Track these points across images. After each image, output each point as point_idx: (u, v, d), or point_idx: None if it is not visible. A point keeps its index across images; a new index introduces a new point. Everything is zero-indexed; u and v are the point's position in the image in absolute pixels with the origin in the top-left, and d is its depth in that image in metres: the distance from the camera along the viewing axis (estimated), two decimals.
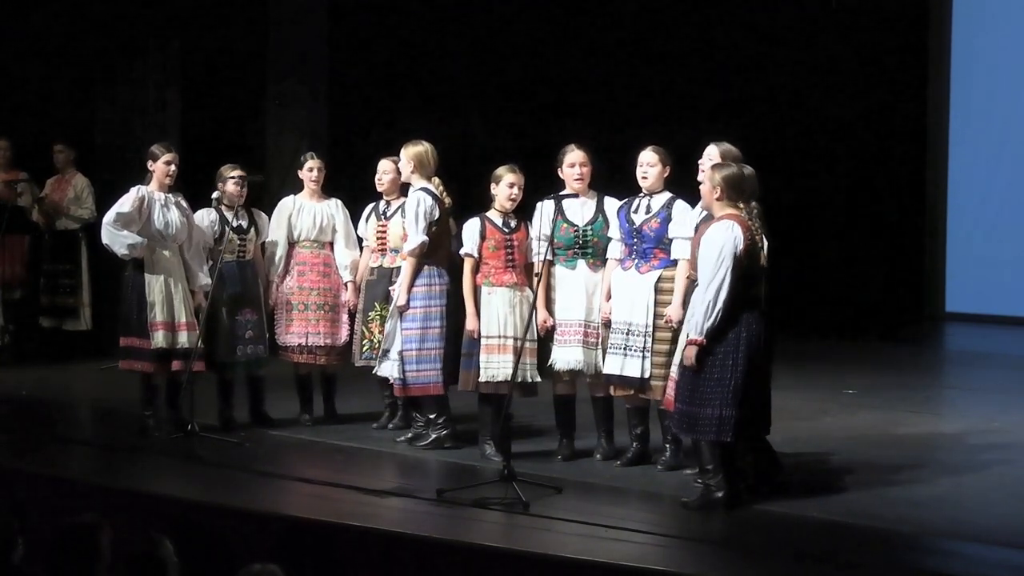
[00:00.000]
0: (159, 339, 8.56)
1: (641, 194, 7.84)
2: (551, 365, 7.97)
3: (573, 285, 7.98)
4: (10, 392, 10.25)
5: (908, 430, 9.16)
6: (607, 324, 7.84)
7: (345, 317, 9.09)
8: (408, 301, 8.26)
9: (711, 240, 6.87)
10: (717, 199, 6.93)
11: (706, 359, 6.86)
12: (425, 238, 8.23)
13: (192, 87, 12.69)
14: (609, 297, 7.87)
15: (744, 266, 6.80)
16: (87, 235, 11.78)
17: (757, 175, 7.13)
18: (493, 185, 8.15)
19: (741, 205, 6.90)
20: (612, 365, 7.75)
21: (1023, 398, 10.26)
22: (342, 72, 13.46)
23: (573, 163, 8.00)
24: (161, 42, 12.49)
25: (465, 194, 9.02)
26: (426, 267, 8.30)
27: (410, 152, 8.39)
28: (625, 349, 7.67)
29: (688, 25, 14.36)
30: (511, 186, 8.10)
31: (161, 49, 12.51)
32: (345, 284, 9.09)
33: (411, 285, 8.27)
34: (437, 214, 8.29)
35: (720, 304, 6.78)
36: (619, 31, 14.36)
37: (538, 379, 8.03)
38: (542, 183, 8.28)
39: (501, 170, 8.16)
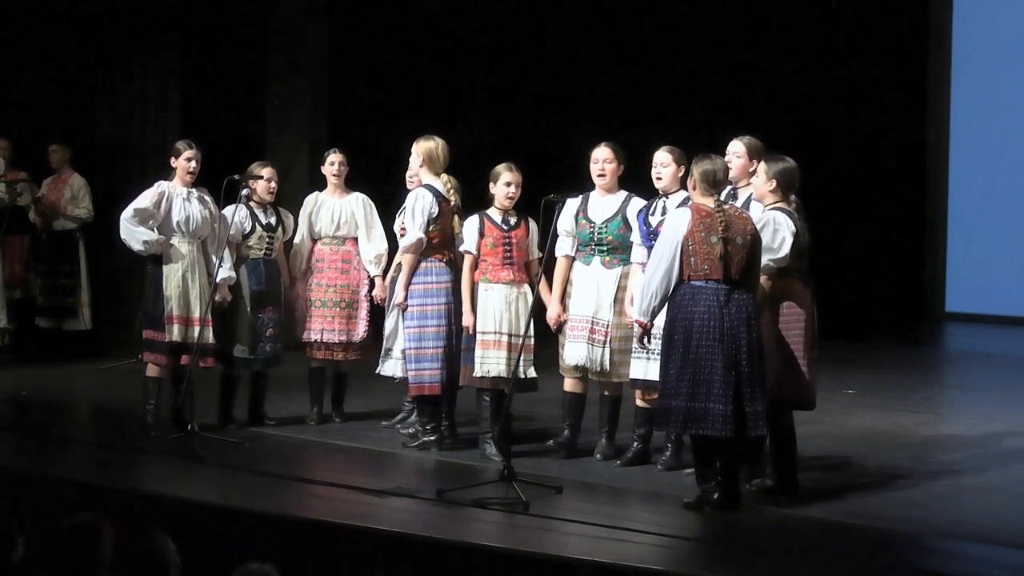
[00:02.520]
0: (174, 332, 8.59)
1: (659, 196, 7.86)
2: (561, 360, 8.00)
3: (586, 281, 8.01)
4: (10, 392, 10.25)
5: (908, 430, 9.17)
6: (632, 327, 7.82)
7: (364, 313, 9.09)
8: (406, 298, 8.28)
9: (665, 224, 7.13)
10: (692, 189, 7.07)
11: (661, 347, 6.99)
12: (422, 235, 8.24)
13: (192, 86, 12.68)
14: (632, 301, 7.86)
15: (692, 251, 6.83)
16: (84, 235, 11.80)
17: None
18: (491, 184, 8.19)
19: (717, 197, 6.98)
20: (636, 369, 7.77)
21: (1023, 398, 10.26)
22: (342, 72, 13.45)
23: (596, 159, 8.05)
24: (161, 41, 12.49)
25: (467, 192, 9.02)
26: (425, 265, 8.31)
27: (420, 147, 8.41)
28: (648, 352, 7.65)
29: (688, 25, 14.35)
30: (508, 185, 8.13)
31: (161, 49, 12.51)
32: (372, 278, 9.10)
33: (408, 282, 8.29)
34: (436, 211, 8.29)
35: (656, 285, 6.89)
36: (623, 31, 14.35)
37: (534, 375, 8.04)
38: (549, 181, 8.30)
39: (499, 168, 8.20)
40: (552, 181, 8.35)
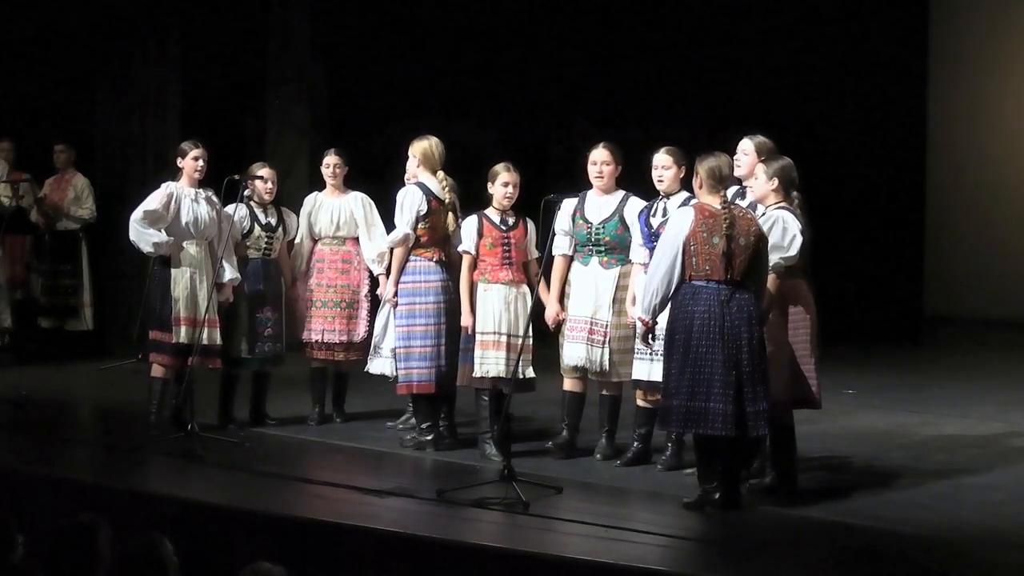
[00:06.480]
0: (181, 334, 8.59)
1: (660, 197, 7.86)
2: (561, 360, 8.01)
3: (584, 282, 8.02)
4: (10, 392, 10.25)
5: (908, 430, 9.17)
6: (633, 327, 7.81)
7: (364, 313, 9.09)
8: (396, 293, 8.30)
9: (668, 223, 7.15)
10: (699, 188, 7.07)
11: (663, 347, 7.01)
12: (409, 231, 8.27)
13: (192, 85, 12.68)
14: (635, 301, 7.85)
15: (695, 251, 6.84)
16: (87, 235, 11.80)
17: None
18: (489, 183, 8.20)
19: (723, 195, 6.98)
20: (640, 371, 7.76)
21: (1023, 398, 10.26)
22: (342, 71, 13.45)
23: (595, 161, 8.06)
24: (161, 40, 12.50)
25: (465, 192, 9.03)
26: (413, 263, 8.33)
27: (416, 146, 8.48)
28: (651, 353, 7.63)
29: (688, 24, 14.35)
30: (506, 185, 8.13)
31: (161, 47, 12.51)
32: (376, 277, 9.09)
33: (397, 278, 8.32)
34: (426, 208, 8.30)
35: (656, 284, 6.91)
36: (622, 32, 14.36)
37: (532, 375, 8.05)
38: (549, 181, 8.30)
39: (497, 168, 8.21)
40: (550, 181, 8.34)
